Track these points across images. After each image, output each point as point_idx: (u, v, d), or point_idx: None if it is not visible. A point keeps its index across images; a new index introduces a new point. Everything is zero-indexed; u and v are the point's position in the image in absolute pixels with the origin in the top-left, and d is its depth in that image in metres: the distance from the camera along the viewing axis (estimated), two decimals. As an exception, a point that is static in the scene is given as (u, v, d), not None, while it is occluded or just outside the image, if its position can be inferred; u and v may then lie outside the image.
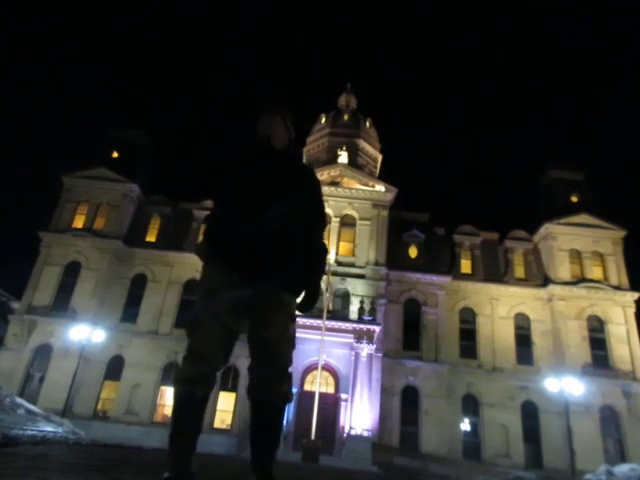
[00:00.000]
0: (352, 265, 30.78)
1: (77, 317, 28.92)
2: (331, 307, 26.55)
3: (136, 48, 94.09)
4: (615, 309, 30.76)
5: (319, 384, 23.40)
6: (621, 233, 33.22)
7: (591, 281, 31.53)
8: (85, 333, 25.91)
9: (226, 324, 2.47)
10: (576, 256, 32.58)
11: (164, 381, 29.18)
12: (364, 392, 25.35)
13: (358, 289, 29.91)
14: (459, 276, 32.47)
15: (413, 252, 33.03)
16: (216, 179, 2.77)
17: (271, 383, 2.46)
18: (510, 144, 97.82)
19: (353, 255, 31.36)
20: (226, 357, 2.52)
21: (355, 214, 32.67)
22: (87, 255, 31.78)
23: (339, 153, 34.68)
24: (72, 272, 31.48)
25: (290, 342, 2.55)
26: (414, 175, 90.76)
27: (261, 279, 2.50)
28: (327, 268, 25.98)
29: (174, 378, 2.52)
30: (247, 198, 2.58)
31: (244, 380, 27.16)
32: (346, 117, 40.52)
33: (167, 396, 29.00)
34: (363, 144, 38.86)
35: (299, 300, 2.67)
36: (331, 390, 26.93)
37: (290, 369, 2.56)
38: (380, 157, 40.65)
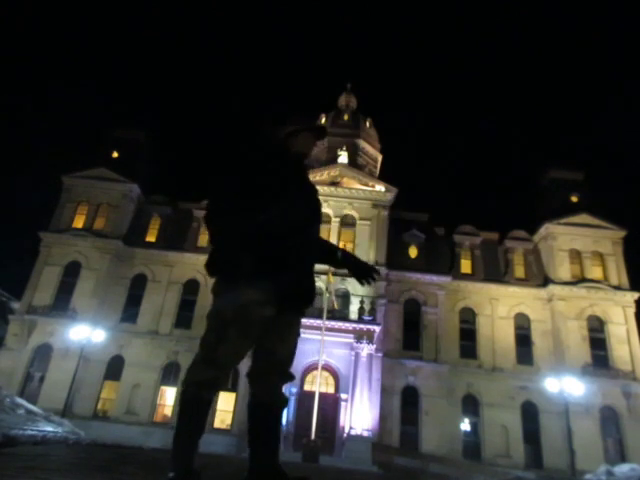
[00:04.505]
0: (352, 265, 30.72)
1: (77, 317, 28.91)
2: (335, 306, 26.52)
3: (136, 47, 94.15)
4: (615, 309, 30.75)
5: (319, 384, 23.40)
6: (621, 233, 33.21)
7: (591, 281, 31.52)
8: (85, 333, 25.91)
9: (252, 339, 2.56)
10: (576, 256, 32.58)
11: (164, 381, 29.17)
12: (364, 392, 25.34)
13: (358, 289, 29.84)
14: (459, 276, 32.45)
15: (413, 252, 33.02)
16: (262, 190, 2.63)
17: (278, 389, 2.68)
18: (510, 144, 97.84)
19: (353, 255, 31.32)
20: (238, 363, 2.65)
21: (355, 214, 32.66)
22: (87, 255, 31.77)
23: (339, 153, 34.65)
24: (72, 272, 31.48)
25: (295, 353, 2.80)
26: (414, 175, 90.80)
27: (288, 299, 2.57)
28: (327, 268, 26.00)
29: (183, 380, 2.55)
30: (298, 214, 2.65)
31: (244, 380, 27.08)
32: (346, 117, 40.50)
33: (167, 396, 29.00)
34: (363, 144, 38.84)
35: None
36: (331, 390, 26.92)
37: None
38: (380, 157, 40.63)
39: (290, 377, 2.71)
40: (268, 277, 2.49)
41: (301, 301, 2.68)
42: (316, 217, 2.82)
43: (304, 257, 2.66)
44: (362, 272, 2.83)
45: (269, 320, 2.54)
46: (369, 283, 2.88)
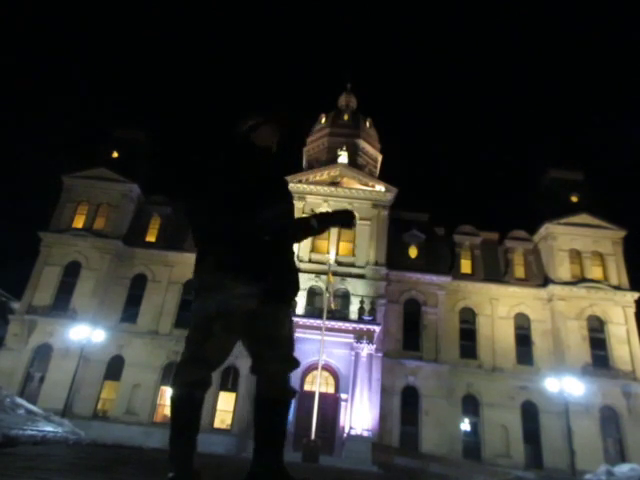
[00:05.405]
0: (352, 265, 30.77)
1: (77, 317, 28.91)
2: (333, 307, 26.51)
3: (136, 47, 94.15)
4: (615, 309, 30.75)
5: (319, 384, 23.42)
6: (621, 233, 33.20)
7: (591, 281, 31.51)
8: (85, 333, 25.90)
9: (236, 334, 2.56)
10: (576, 256, 32.57)
11: (164, 381, 29.16)
12: (364, 392, 25.34)
13: (358, 289, 29.89)
14: (459, 276, 32.44)
15: (413, 252, 33.01)
16: (229, 187, 2.63)
17: (285, 381, 2.62)
18: (510, 144, 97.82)
19: (353, 255, 31.34)
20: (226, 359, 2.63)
21: (355, 214, 32.60)
22: (87, 255, 31.77)
23: (339, 153, 34.64)
24: (72, 272, 31.47)
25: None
26: (414, 175, 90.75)
27: (273, 293, 2.58)
28: (328, 268, 26.00)
29: (173, 381, 2.53)
30: (260, 209, 2.62)
31: (244, 380, 27.15)
32: (346, 117, 40.48)
33: (167, 396, 28.96)
34: (363, 144, 38.82)
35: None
36: (331, 390, 26.92)
37: None
38: (380, 157, 40.60)
39: (296, 363, 2.65)
40: (252, 272, 2.50)
41: (287, 294, 2.68)
42: (287, 214, 2.78)
43: (283, 254, 2.69)
44: (343, 222, 2.87)
45: (257, 312, 2.53)
46: (352, 226, 2.93)
